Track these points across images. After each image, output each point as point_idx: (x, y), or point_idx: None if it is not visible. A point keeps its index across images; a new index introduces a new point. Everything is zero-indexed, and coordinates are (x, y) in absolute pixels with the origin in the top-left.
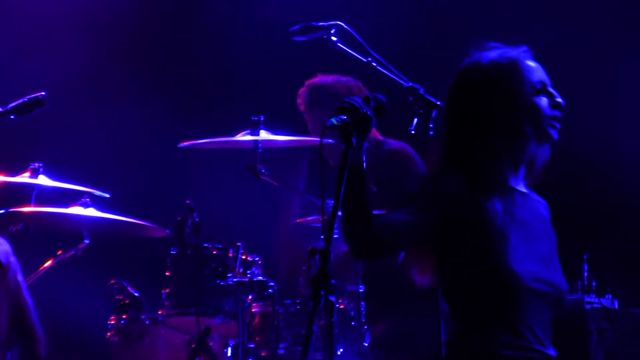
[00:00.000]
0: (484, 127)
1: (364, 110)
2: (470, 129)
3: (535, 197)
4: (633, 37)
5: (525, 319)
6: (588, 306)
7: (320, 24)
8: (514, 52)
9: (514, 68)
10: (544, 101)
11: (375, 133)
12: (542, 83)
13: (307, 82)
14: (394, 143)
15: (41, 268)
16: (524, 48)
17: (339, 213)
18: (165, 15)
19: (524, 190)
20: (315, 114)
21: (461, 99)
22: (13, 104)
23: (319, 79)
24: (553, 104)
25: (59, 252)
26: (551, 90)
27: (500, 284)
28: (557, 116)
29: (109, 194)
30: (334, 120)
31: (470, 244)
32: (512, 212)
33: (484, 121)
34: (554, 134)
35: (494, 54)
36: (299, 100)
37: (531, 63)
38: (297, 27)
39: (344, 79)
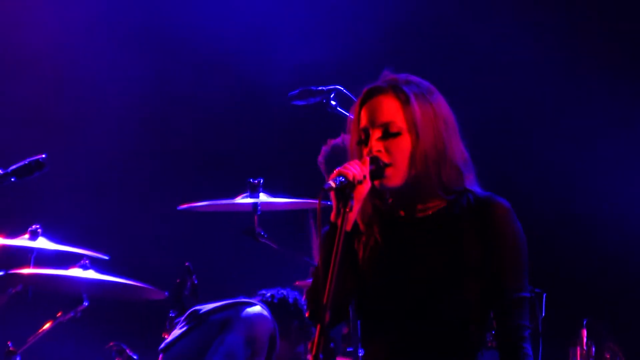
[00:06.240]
0: None
1: (363, 174)
2: None
3: None
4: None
5: None
6: None
7: (320, 88)
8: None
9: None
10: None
11: None
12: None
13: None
14: None
15: (40, 330)
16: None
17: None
18: (167, 78)
19: None
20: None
21: None
22: (13, 167)
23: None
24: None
25: (58, 314)
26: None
27: None
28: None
29: (107, 256)
30: (331, 183)
31: None
32: None
33: None
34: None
35: None
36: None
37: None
38: (296, 91)
39: None
